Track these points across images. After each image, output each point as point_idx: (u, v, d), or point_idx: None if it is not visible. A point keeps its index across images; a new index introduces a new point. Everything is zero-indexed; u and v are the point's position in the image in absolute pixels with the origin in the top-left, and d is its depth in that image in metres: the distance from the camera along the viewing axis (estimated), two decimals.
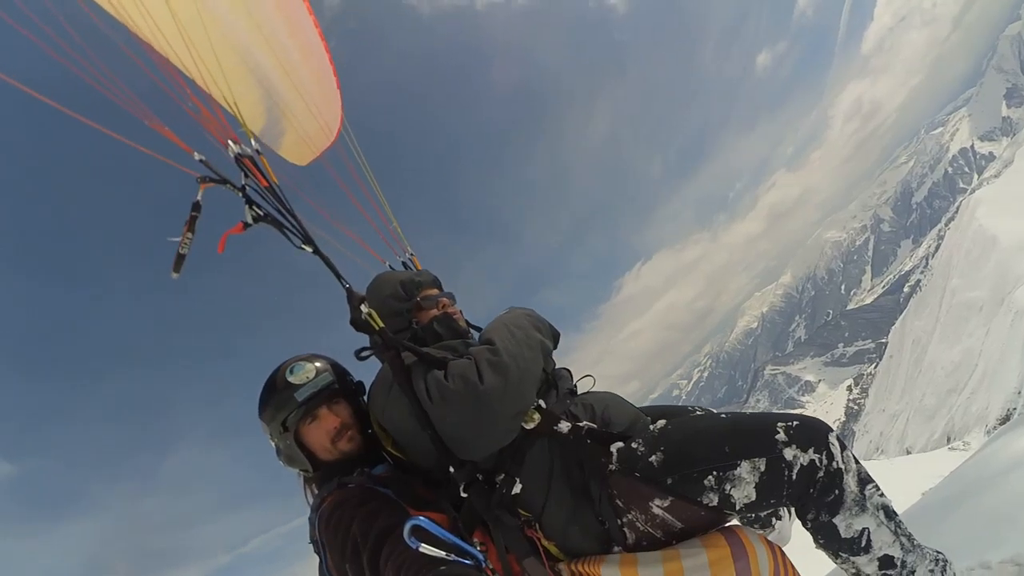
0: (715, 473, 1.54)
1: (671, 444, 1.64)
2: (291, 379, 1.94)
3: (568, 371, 2.13)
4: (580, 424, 1.80)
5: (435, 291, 2.22)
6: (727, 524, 1.72)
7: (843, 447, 1.56)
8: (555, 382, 1.97)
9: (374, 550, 1.61)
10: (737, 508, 1.56)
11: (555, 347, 1.99)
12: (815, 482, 1.50)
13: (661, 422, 1.78)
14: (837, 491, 1.51)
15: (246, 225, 1.88)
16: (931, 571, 1.60)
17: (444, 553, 1.41)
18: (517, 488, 1.73)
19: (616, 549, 1.70)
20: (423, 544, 1.39)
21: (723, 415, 1.72)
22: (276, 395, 1.96)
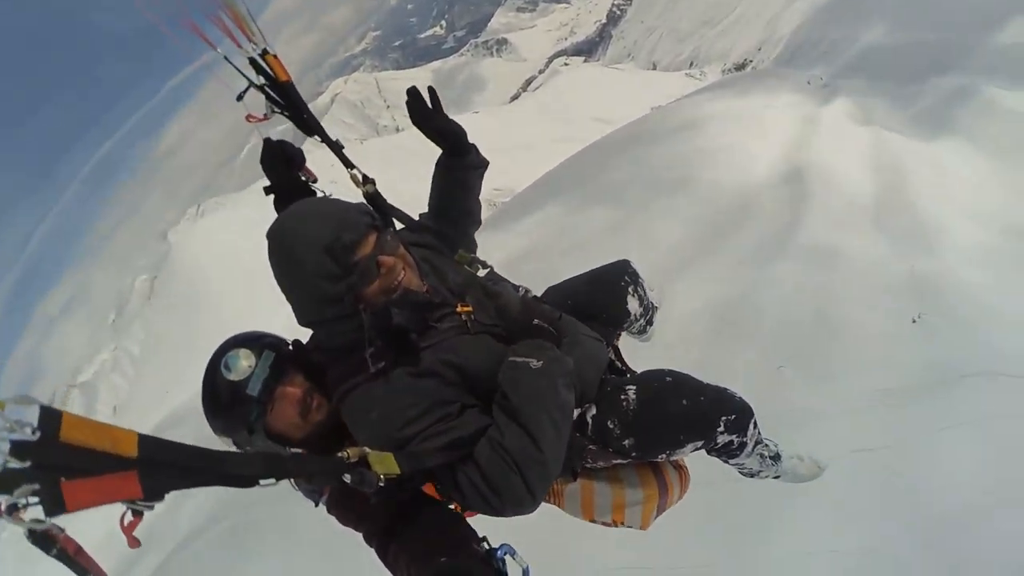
0: (667, 452, 1.79)
1: (642, 431, 1.75)
2: (233, 378, 1.68)
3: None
4: None
5: (371, 239, 1.54)
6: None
7: (756, 427, 1.92)
8: None
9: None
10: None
11: None
12: (727, 447, 1.87)
13: (632, 396, 1.77)
14: (738, 452, 1.92)
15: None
16: (765, 461, 2.21)
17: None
18: None
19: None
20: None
21: (684, 400, 1.75)
22: (225, 402, 1.72)
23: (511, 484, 1.36)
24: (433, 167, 1.94)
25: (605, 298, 2.10)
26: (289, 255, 1.52)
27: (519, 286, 1.93)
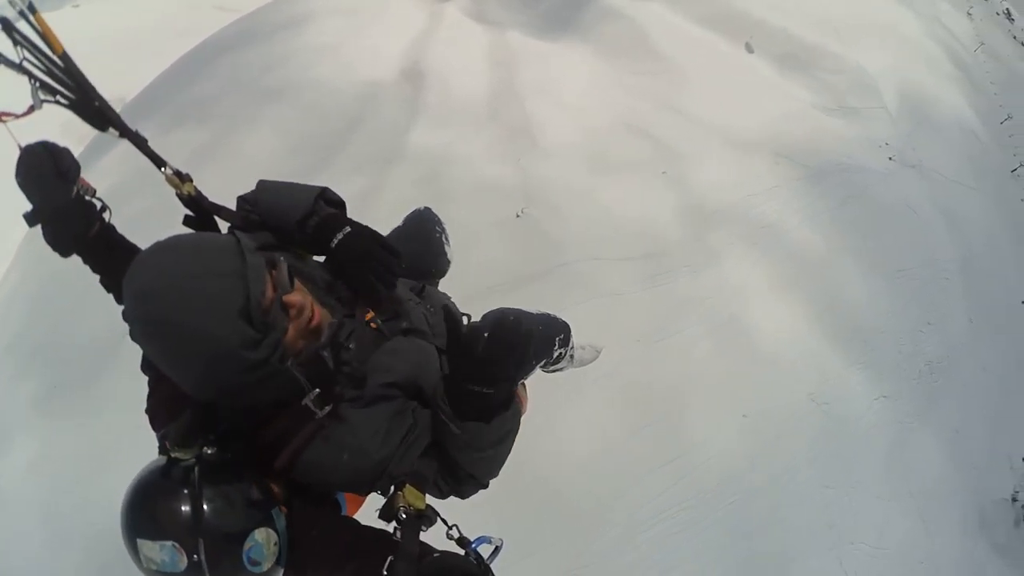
0: (524, 377, 2.08)
1: None
2: (267, 567, 1.29)
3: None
4: None
5: (269, 276, 1.22)
6: None
7: (572, 340, 2.32)
8: None
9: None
10: None
11: None
12: (556, 359, 2.26)
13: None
14: (561, 359, 2.29)
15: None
16: (571, 360, 2.51)
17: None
18: None
19: None
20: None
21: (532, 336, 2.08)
22: None
23: (493, 472, 1.49)
24: None
25: (431, 254, 2.23)
26: (189, 333, 1.11)
27: None
